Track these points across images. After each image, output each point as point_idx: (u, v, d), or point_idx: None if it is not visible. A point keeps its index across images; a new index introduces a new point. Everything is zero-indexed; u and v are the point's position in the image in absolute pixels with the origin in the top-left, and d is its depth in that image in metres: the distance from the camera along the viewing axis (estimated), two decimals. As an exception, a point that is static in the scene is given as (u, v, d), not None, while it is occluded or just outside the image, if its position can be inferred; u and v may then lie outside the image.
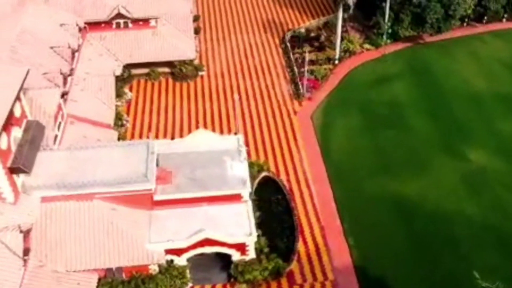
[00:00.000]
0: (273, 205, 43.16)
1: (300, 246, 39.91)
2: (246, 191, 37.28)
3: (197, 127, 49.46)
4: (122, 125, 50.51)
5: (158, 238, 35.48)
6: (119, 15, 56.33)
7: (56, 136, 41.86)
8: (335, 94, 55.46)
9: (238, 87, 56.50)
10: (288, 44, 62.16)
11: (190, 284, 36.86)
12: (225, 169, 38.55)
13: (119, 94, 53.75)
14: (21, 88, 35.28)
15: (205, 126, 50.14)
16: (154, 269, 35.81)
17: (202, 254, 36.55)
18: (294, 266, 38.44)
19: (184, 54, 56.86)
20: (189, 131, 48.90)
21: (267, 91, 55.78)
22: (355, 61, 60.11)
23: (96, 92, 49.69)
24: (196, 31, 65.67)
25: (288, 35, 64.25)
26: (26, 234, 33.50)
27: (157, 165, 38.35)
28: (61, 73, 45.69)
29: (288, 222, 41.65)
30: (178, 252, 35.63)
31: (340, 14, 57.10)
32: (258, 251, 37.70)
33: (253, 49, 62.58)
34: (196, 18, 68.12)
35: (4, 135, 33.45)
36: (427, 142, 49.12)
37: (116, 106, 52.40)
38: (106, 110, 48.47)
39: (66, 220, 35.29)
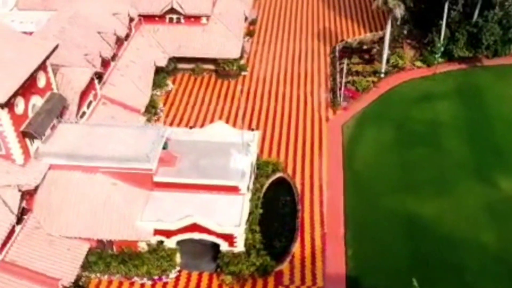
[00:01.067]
0: (280, 205, 42.82)
1: (297, 248, 39.25)
2: (244, 184, 37.30)
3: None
4: (156, 114, 52.25)
5: (150, 218, 36.32)
6: (173, 10, 58.54)
7: (84, 113, 44.21)
8: (372, 107, 54.12)
9: (277, 90, 56.69)
10: (337, 54, 61.53)
11: (177, 268, 37.28)
12: (228, 161, 38.87)
13: (159, 85, 55.85)
14: (45, 60, 37.69)
15: (234, 124, 50.57)
16: (143, 247, 36.66)
17: (196, 242, 36.96)
18: (285, 267, 37.82)
19: (228, 53, 57.96)
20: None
21: (305, 97, 55.51)
22: (403, 77, 58.35)
23: (135, 79, 51.86)
24: (251, 34, 66.89)
25: (339, 46, 63.64)
26: (27, 195, 35.59)
27: (165, 148, 39.43)
28: (100, 56, 48.10)
29: (291, 224, 41.15)
30: (167, 233, 36.25)
31: (389, 27, 55.80)
32: (251, 246, 37.52)
33: (302, 56, 62.55)
34: (253, 22, 69.38)
35: (21, 100, 35.84)
36: (458, 164, 46.64)
37: (155, 95, 54.60)
38: (140, 96, 50.43)
39: (69, 189, 37.07)
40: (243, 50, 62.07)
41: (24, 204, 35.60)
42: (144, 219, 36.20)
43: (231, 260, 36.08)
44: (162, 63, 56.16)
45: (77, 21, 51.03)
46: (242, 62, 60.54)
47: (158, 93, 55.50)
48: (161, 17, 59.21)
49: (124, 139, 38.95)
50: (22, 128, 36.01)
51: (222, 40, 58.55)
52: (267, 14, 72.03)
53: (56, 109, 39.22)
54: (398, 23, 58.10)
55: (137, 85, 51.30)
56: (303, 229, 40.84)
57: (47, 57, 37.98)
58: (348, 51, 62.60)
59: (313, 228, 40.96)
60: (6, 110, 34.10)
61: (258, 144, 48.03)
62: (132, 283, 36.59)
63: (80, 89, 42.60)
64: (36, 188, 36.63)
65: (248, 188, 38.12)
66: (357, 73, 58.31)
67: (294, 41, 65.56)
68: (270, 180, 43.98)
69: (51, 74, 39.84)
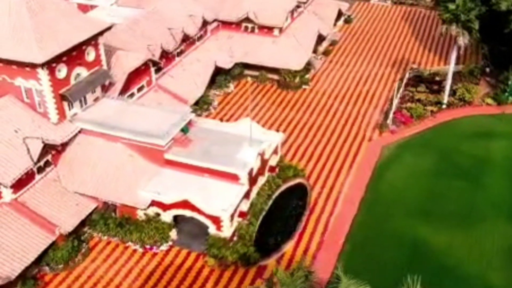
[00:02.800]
0: (289, 208, 43.15)
1: (289, 249, 39.36)
2: (243, 174, 38.45)
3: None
4: (207, 109, 55.22)
5: (151, 189, 38.85)
6: (248, 19, 61.73)
7: (132, 94, 48.41)
8: (422, 135, 52.28)
9: (331, 105, 57.05)
10: (405, 81, 60.37)
11: (170, 243, 39.21)
12: (237, 152, 40.29)
13: (220, 85, 58.94)
14: (94, 36, 42.32)
15: (278, 130, 51.68)
16: (140, 216, 39.22)
17: (194, 224, 38.77)
18: (270, 262, 38.13)
19: (291, 65, 59.58)
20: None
21: (356, 115, 55.23)
22: (466, 111, 55.58)
23: (194, 75, 55.50)
24: (326, 53, 67.93)
25: (410, 73, 62.32)
26: (53, 150, 39.99)
27: (184, 132, 42.05)
28: (161, 48, 52.36)
29: (293, 226, 41.34)
30: (163, 206, 38.49)
31: (453, 56, 53.83)
32: (243, 236, 38.46)
33: (369, 78, 62.20)
34: (333, 42, 70.39)
35: (64, 67, 40.60)
36: (492, 203, 43.56)
37: (213, 94, 57.81)
38: (194, 90, 53.87)
39: (90, 152, 41.00)
40: (310, 66, 63.43)
41: (49, 158, 40.08)
42: (145, 190, 38.78)
43: (215, 243, 37.26)
44: (227, 66, 59.26)
45: (153, 16, 56.15)
46: (307, 76, 61.67)
47: (217, 92, 58.56)
48: (238, 25, 62.61)
49: (150, 118, 42.26)
50: (61, 91, 40.69)
51: (288, 52, 60.41)
52: (350, 38, 72.44)
53: (98, 82, 43.64)
54: (461, 51, 55.77)
55: (194, 81, 54.82)
56: (302, 233, 40.82)
57: (97, 34, 42.57)
58: (417, 80, 61.08)
59: (313, 234, 40.78)
60: (46, 71, 38.92)
61: (289, 148, 49.28)
62: (126, 247, 39.16)
63: (128, 70, 46.84)
64: (64, 147, 41.05)
65: (249, 180, 39.10)
66: (419, 101, 56.70)
67: (367, 64, 65.33)
68: (288, 183, 44.56)
69: (102, 52, 44.43)
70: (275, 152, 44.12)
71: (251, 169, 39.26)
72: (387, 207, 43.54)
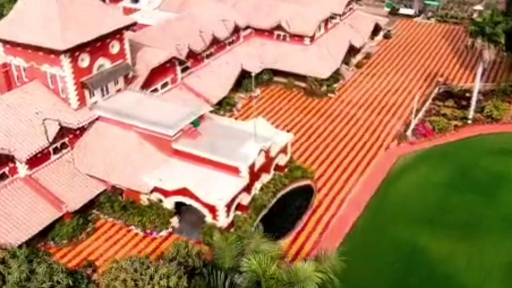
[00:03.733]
0: (292, 207, 43.53)
1: (284, 245, 39.61)
2: (244, 166, 39.36)
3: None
4: (230, 110, 56.67)
5: (155, 176, 40.40)
6: (280, 28, 63.07)
7: (156, 90, 50.56)
8: (442, 148, 51.40)
9: (354, 114, 57.17)
10: (432, 95, 59.67)
11: (169, 229, 40.51)
12: (241, 146, 41.23)
13: (247, 89, 60.32)
14: (117, 31, 44.83)
15: (301, 138, 52.57)
16: (144, 201, 40.83)
17: (196, 214, 39.97)
18: (264, 256, 38.60)
19: (318, 73, 60.25)
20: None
21: (378, 124, 55.08)
22: (493, 128, 54.17)
23: (221, 77, 57.23)
24: (359, 65, 68.11)
25: (440, 88, 61.46)
26: (70, 134, 42.44)
27: (195, 125, 43.57)
28: (189, 48, 54.44)
29: (292, 225, 41.73)
30: (164, 193, 39.94)
31: (480, 70, 52.80)
32: (239, 228, 39.24)
33: (398, 91, 61.83)
34: (368, 55, 70.48)
35: (87, 57, 43.23)
36: (502, 217, 42.28)
37: (238, 96, 59.30)
38: (217, 91, 55.58)
39: (105, 138, 43.21)
40: (340, 76, 63.80)
41: (66, 140, 42.60)
42: (150, 176, 40.38)
43: (208, 231, 38.23)
44: (255, 70, 60.58)
45: (186, 19, 58.67)
46: (335, 85, 62.05)
47: (243, 95, 59.97)
48: (270, 32, 64.08)
49: (164, 110, 44.14)
50: (82, 79, 43.25)
51: (316, 61, 61.18)
52: (385, 52, 72.27)
53: (119, 74, 46.04)
54: (486, 66, 54.53)
55: (219, 82, 56.49)
56: (301, 232, 41.11)
57: (120, 29, 45.04)
58: (447, 95, 60.15)
59: (311, 233, 41.02)
60: (69, 59, 41.64)
61: (304, 151, 49.87)
62: (128, 231, 40.81)
63: (152, 65, 49.05)
64: (81, 132, 43.49)
65: (250, 174, 39.93)
66: (444, 115, 55.82)
67: (398, 78, 64.93)
68: (296, 183, 44.99)
69: (127, 46, 46.91)
70: (284, 152, 44.79)
71: (253, 164, 40.11)
72: (392, 213, 43.11)
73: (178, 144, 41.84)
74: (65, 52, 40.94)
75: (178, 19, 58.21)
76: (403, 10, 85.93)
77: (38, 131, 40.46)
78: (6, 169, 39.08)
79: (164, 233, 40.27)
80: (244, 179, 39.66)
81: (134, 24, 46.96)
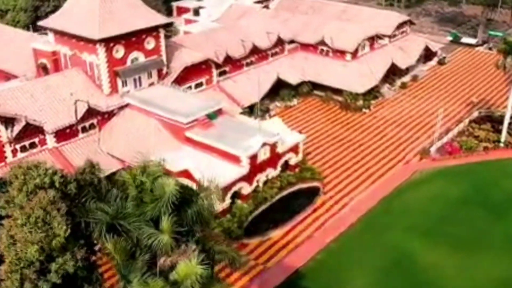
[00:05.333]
0: (294, 205, 44.66)
1: (276, 236, 41.07)
2: (244, 156, 41.40)
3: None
4: (262, 116, 58.83)
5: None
6: (323, 43, 65.06)
7: (190, 87, 54.19)
8: (464, 167, 50.33)
9: (383, 130, 57.39)
10: (470, 118, 58.63)
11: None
12: (246, 139, 43.25)
13: (283, 98, 62.57)
14: (151, 28, 49.04)
15: (324, 145, 53.97)
16: (153, 180, 43.84)
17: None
18: (253, 243, 40.22)
19: (353, 87, 61.26)
20: (313, 143, 54.46)
21: (404, 141, 55.03)
22: (525, 153, 52.33)
23: (256, 84, 59.75)
24: (403, 86, 68.16)
25: (481, 113, 60.14)
26: (97, 115, 46.73)
27: (211, 118, 46.41)
28: (226, 54, 57.80)
29: (288, 219, 42.96)
30: (169, 174, 42.60)
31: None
32: (234, 214, 41.16)
33: (435, 112, 60.73)
34: (414, 78, 70.36)
35: (122, 49, 47.70)
36: (507, 236, 40.96)
37: (274, 104, 61.68)
38: (250, 96, 58.01)
39: (130, 123, 47.10)
40: (379, 94, 64.33)
41: (95, 122, 46.92)
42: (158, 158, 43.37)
43: (202, 213, 40.39)
44: (293, 82, 62.81)
45: (231, 29, 62.46)
46: (373, 102, 62.66)
47: (279, 104, 62.21)
48: (315, 47, 66.20)
49: (186, 102, 47.52)
50: (115, 68, 47.69)
51: (355, 76, 62.31)
52: (434, 76, 71.56)
53: (151, 68, 50.11)
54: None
55: (254, 88, 59.00)
56: (296, 226, 42.22)
57: (155, 27, 49.27)
58: (486, 119, 58.77)
59: (306, 229, 42.08)
60: (103, 48, 46.26)
61: (322, 157, 51.04)
62: (136, 207, 43.91)
63: (185, 64, 52.84)
64: (110, 116, 47.73)
65: (251, 165, 41.83)
66: (476, 137, 54.65)
67: (440, 100, 63.99)
68: (303, 183, 46.24)
69: (162, 44, 51.02)
70: (294, 151, 46.27)
71: (254, 155, 41.99)
72: (391, 220, 43.09)
73: (190, 132, 44.75)
74: (100, 41, 45.55)
75: (223, 28, 62.04)
76: (465, 40, 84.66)
77: (69, 110, 45.07)
78: (36, 139, 43.84)
79: (167, 212, 42.92)
80: (244, 168, 41.60)
81: (170, 24, 51.14)
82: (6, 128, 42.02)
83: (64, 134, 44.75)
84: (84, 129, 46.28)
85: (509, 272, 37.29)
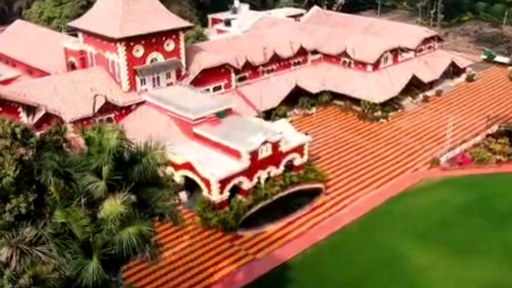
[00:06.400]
0: (294, 203, 45.69)
1: (271, 229, 42.25)
2: (244, 151, 43.00)
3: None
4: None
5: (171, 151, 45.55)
6: (345, 54, 66.24)
7: (207, 90, 56.48)
8: (473, 177, 50.06)
9: (397, 139, 57.69)
10: (488, 131, 58.12)
11: (176, 201, 45.03)
12: (249, 137, 44.83)
13: (301, 106, 63.98)
14: (169, 31, 51.83)
15: (336, 150, 55.05)
16: (160, 172, 45.97)
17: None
18: (248, 235, 41.53)
19: (370, 97, 61.95)
20: (323, 148, 55.61)
21: (416, 150, 55.20)
22: (539, 167, 51.41)
23: (274, 91, 61.66)
24: (425, 99, 68.19)
25: (501, 127, 59.37)
26: (115, 109, 49.61)
27: (220, 116, 48.42)
28: (246, 60, 59.94)
29: (285, 215, 44.10)
30: (175, 166, 44.77)
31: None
32: (232, 206, 42.69)
33: (453, 125, 60.71)
34: (439, 92, 70.22)
35: (141, 49, 50.67)
36: (504, 244, 40.33)
37: (292, 111, 63.13)
38: (267, 102, 59.49)
39: (144, 119, 49.84)
40: (399, 106, 64.66)
41: (112, 116, 49.84)
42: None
43: (201, 203, 42.16)
44: (312, 90, 64.15)
45: (254, 37, 64.89)
46: (391, 113, 63.08)
47: (297, 111, 63.60)
48: (338, 58, 67.44)
49: (197, 100, 49.85)
50: (136, 67, 50.62)
51: (373, 87, 63.05)
52: (459, 92, 71.18)
53: (169, 68, 52.78)
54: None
55: (272, 94, 60.86)
56: (291, 223, 43.25)
57: (174, 30, 52.09)
58: (505, 134, 58.02)
59: (300, 226, 42.98)
60: (124, 47, 49.35)
61: (332, 162, 51.98)
62: (143, 197, 46.14)
63: (203, 66, 55.27)
64: (127, 112, 50.58)
65: (252, 160, 43.35)
66: (490, 149, 54.14)
67: (461, 115, 63.47)
68: (307, 184, 47.26)
69: (182, 46, 53.75)
70: (299, 152, 47.40)
71: (255, 151, 43.47)
72: (389, 222, 43.42)
73: (197, 129, 46.84)
74: (120, 40, 48.66)
75: (246, 36, 64.41)
76: (499, 58, 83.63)
77: (88, 103, 48.11)
78: (55, 129, 46.98)
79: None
80: (244, 163, 43.15)
81: (188, 27, 53.85)
82: (28, 115, 45.45)
83: (81, 125, 47.62)
84: (101, 122, 49.12)
85: (498, 277, 36.91)
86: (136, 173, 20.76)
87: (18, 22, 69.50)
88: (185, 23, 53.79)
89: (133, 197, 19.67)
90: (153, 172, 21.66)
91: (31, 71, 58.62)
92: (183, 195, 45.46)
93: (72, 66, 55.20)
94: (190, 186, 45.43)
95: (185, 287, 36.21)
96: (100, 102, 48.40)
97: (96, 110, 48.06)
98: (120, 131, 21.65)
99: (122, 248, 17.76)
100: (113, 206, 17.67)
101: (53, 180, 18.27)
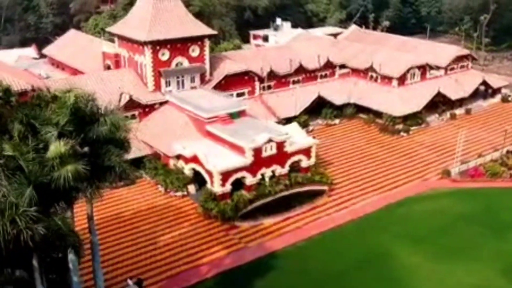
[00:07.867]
0: (295, 202, 47.35)
1: (267, 224, 44.14)
2: (247, 147, 45.37)
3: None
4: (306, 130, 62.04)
5: (182, 146, 48.71)
6: (372, 69, 67.68)
7: (231, 95, 59.62)
8: (481, 190, 49.92)
9: (415, 151, 58.18)
10: (508, 148, 57.59)
11: (185, 193, 47.95)
12: (256, 135, 47.18)
13: (325, 116, 65.65)
14: (195, 37, 55.50)
15: (351, 158, 56.54)
16: (171, 165, 49.24)
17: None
18: (245, 226, 43.66)
19: (392, 111, 62.86)
20: (338, 156, 57.37)
21: (430, 162, 55.56)
22: (554, 184, 50.48)
23: (296, 100, 63.83)
24: (452, 117, 68.15)
25: (518, 147, 58.76)
26: (139, 107, 53.47)
27: (233, 116, 51.24)
28: (270, 69, 62.68)
29: (284, 211, 45.86)
30: (185, 160, 47.80)
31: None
32: (233, 199, 44.98)
33: (475, 142, 60.49)
34: (467, 111, 69.92)
35: (167, 52, 54.57)
36: (500, 253, 40.65)
37: (315, 120, 64.97)
38: (288, 110, 61.95)
39: (165, 117, 53.43)
40: (423, 121, 65.06)
41: (136, 113, 53.75)
42: (178, 145, 48.83)
43: (204, 195, 44.75)
44: (336, 102, 65.83)
45: (281, 49, 67.63)
46: (413, 128, 63.60)
47: (320, 121, 65.38)
48: (365, 73, 68.99)
49: (215, 101, 52.97)
50: (160, 69, 54.53)
51: (396, 101, 64.01)
52: (489, 111, 70.76)
53: (192, 72, 56.34)
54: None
55: (294, 104, 63.03)
56: (288, 218, 44.98)
57: (199, 37, 55.75)
58: (526, 151, 57.40)
59: (296, 221, 44.68)
60: (150, 50, 53.41)
61: (344, 169, 53.35)
62: (156, 188, 49.30)
63: (226, 72, 58.52)
64: (151, 110, 54.38)
65: (255, 157, 45.62)
66: (506, 165, 53.68)
67: (487, 133, 63.09)
68: (312, 186, 48.90)
69: (207, 52, 57.29)
70: (306, 154, 49.17)
71: (259, 148, 45.69)
72: (386, 225, 44.28)
73: (210, 127, 49.77)
74: (146, 43, 52.78)
75: (275, 48, 67.33)
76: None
77: (114, 100, 52.12)
78: (82, 121, 51.35)
79: (179, 193, 47.83)
80: (247, 159, 45.48)
81: (213, 35, 57.42)
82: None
83: (107, 119, 51.80)
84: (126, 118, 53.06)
85: (482, 282, 37.07)
86: (94, 130, 23.62)
87: (70, 32, 75.94)
88: (209, 31, 57.33)
89: (86, 149, 22.58)
90: (113, 132, 24.34)
91: (75, 73, 63.85)
92: (191, 188, 48.20)
93: (108, 68, 59.94)
94: (201, 182, 48.08)
95: (176, 265, 38.64)
96: (125, 99, 52.46)
97: (120, 105, 52.06)
98: (80, 89, 24.20)
99: (64, 183, 20.68)
100: (57, 147, 20.64)
101: (17, 127, 21.49)
